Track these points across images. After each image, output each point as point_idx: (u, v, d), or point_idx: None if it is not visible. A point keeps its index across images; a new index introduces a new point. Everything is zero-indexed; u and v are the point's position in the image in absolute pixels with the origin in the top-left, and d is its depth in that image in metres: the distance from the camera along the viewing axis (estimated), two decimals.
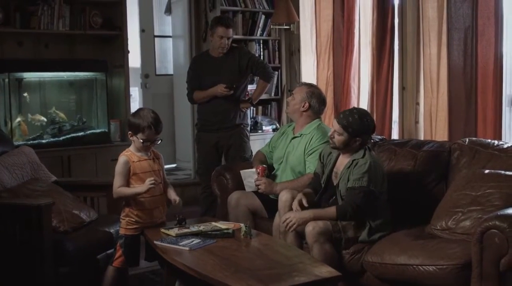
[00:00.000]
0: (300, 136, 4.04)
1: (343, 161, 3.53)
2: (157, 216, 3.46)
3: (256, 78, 5.46)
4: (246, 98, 5.20)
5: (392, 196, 3.51)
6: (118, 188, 3.37)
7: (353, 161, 3.45)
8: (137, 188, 3.36)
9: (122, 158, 3.40)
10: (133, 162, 3.39)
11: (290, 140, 4.09)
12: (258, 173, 4.01)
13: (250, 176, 4.06)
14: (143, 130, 3.35)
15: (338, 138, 3.48)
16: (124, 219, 3.43)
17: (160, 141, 3.45)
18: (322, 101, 4.09)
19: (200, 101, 5.06)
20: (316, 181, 3.71)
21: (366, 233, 3.37)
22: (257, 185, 3.99)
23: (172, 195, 3.50)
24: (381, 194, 3.43)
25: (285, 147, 4.13)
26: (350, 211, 3.34)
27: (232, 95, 4.91)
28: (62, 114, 5.43)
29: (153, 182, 3.30)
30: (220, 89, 4.83)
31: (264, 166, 4.06)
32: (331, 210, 3.39)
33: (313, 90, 4.08)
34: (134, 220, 3.40)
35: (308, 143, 3.96)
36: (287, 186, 3.88)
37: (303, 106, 4.04)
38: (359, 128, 3.44)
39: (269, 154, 4.30)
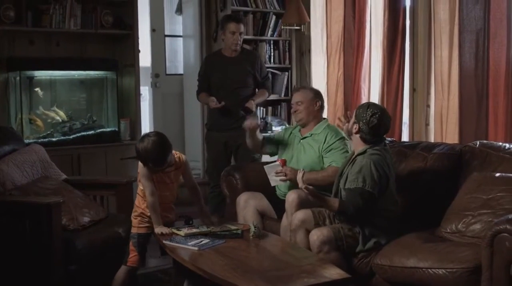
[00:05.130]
0: (311, 136, 4.02)
1: None
2: (167, 216, 3.46)
3: None
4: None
5: (402, 198, 3.49)
6: (152, 195, 3.31)
7: (353, 157, 3.41)
8: (156, 223, 3.33)
9: None
10: None
11: (299, 141, 4.07)
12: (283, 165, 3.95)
13: (275, 169, 3.96)
14: (147, 164, 3.33)
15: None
16: (136, 218, 3.44)
17: (169, 167, 3.39)
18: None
19: (203, 103, 5.12)
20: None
21: (361, 242, 3.31)
22: (279, 172, 3.89)
23: (211, 218, 3.51)
24: (381, 196, 3.32)
25: (293, 148, 4.10)
26: (352, 210, 3.26)
27: (242, 94, 4.91)
28: (62, 113, 5.38)
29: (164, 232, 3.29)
30: (211, 103, 4.85)
31: (283, 158, 4.02)
32: (333, 201, 3.33)
33: (316, 91, 4.15)
34: (146, 219, 3.41)
35: (323, 142, 3.95)
36: (312, 176, 3.80)
37: (316, 105, 4.05)
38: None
39: (269, 138, 4.28)
